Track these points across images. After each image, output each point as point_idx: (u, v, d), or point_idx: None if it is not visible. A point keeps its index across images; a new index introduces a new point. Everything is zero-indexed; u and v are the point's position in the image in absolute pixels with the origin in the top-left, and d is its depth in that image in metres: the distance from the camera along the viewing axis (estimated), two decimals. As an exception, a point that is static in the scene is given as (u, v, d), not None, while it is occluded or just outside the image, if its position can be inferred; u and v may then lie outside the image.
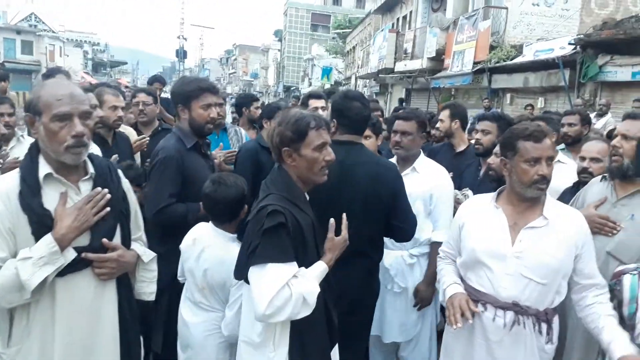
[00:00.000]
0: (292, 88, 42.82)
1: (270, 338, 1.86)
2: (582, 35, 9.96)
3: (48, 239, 1.69)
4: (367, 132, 3.03)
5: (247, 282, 1.84)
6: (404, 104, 17.39)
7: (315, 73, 35.79)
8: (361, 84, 26.96)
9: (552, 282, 2.03)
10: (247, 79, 66.12)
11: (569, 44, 10.18)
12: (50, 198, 1.74)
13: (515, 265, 2.04)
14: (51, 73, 4.10)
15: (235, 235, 2.39)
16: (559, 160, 3.21)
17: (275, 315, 1.73)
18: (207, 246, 2.35)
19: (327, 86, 28.11)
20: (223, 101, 3.77)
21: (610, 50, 9.53)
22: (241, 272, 1.88)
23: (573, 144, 3.69)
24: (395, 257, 2.88)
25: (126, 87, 15.50)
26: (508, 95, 12.86)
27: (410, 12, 20.13)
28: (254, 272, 1.78)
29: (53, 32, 43.87)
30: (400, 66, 18.11)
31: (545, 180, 2.02)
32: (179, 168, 2.65)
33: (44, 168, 1.75)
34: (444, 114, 3.89)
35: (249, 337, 1.91)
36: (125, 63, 70.17)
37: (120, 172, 2.02)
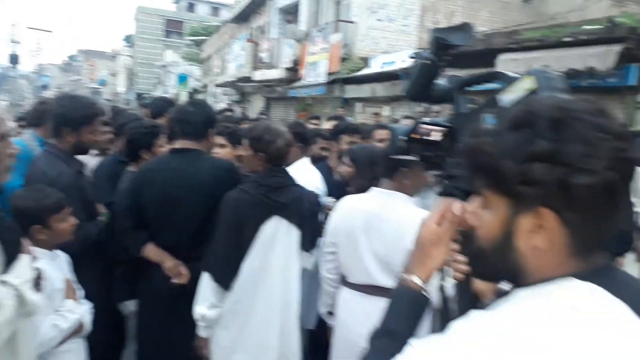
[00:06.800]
0: (143, 95, 40.71)
1: None
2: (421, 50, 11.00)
3: None
4: (222, 140, 2.93)
5: None
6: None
7: (171, 80, 34.48)
8: (220, 92, 26.63)
9: None
10: (94, 86, 61.34)
11: (410, 57, 11.12)
12: None
13: None
14: None
15: None
16: None
17: None
18: None
19: (184, 93, 27.20)
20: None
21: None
22: None
23: None
24: None
25: None
26: (359, 105, 13.74)
27: (267, 22, 20.44)
28: None
29: None
30: (258, 75, 18.27)
31: None
32: None
33: None
34: None
35: None
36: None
37: None
